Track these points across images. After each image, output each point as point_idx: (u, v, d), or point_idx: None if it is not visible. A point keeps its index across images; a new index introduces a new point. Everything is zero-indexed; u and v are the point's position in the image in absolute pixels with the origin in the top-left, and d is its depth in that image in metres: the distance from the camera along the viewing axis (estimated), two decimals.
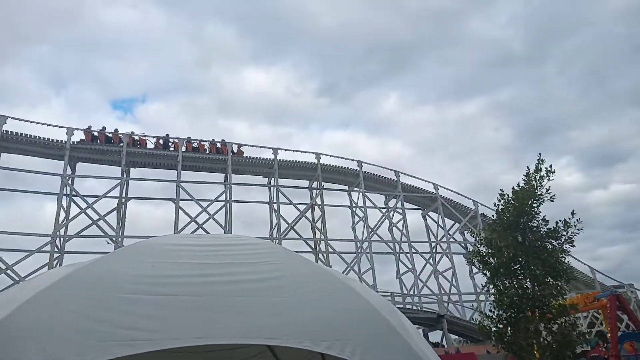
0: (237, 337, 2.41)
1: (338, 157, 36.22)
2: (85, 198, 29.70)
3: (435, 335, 31.19)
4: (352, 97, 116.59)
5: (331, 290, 2.81)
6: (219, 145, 33.57)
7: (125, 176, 30.70)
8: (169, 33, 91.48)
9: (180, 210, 30.25)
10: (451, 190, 38.94)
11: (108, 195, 30.00)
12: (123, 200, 30.45)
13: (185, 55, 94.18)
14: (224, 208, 31.54)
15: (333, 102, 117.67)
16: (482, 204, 37.00)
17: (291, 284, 2.77)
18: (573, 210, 12.34)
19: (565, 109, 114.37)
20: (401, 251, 35.62)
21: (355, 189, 36.19)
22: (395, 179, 37.03)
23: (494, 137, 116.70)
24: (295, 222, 33.15)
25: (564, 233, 12.11)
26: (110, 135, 31.32)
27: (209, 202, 31.74)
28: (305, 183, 35.84)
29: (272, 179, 33.52)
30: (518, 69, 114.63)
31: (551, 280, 12.09)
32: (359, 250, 34.07)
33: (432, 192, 37.98)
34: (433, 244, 37.18)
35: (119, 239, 28.55)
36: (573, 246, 12.09)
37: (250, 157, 33.15)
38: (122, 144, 30.32)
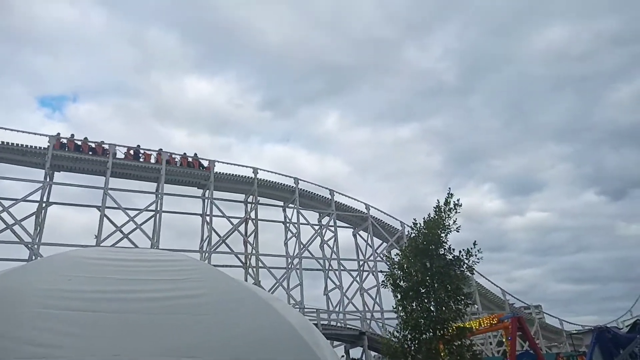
0: (155, 356, 2.33)
1: (275, 173, 36.75)
2: (1, 201, 27.90)
3: (357, 352, 32.20)
4: (294, 113, 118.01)
5: (252, 309, 2.86)
6: (189, 159, 33.36)
7: (48, 180, 29.22)
8: (108, 34, 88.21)
9: (105, 219, 29.22)
10: (381, 211, 40.67)
11: (28, 199, 28.38)
12: (44, 204, 28.93)
13: (124, 58, 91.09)
14: (153, 218, 30.90)
15: (275, 116, 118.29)
16: (408, 225, 38.93)
17: (213, 302, 2.77)
18: (475, 241, 13.75)
19: (490, 139, 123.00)
20: (330, 268, 36.57)
21: (291, 205, 36.80)
22: (330, 197, 38.14)
23: (425, 161, 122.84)
24: (227, 236, 33.12)
25: (466, 261, 13.48)
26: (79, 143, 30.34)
27: (137, 212, 30.93)
28: (241, 196, 35.96)
29: (207, 191, 33.35)
30: (449, 99, 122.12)
31: (452, 304, 13.36)
32: (290, 266, 34.56)
33: (364, 212, 39.45)
34: (361, 262, 38.52)
35: (36, 246, 27.08)
36: (472, 274, 13.48)
37: (185, 168, 32.76)
38: (47, 146, 28.91)
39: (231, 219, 33.59)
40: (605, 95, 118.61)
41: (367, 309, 36.36)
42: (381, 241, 40.33)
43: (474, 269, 13.59)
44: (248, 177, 34.65)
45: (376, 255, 38.66)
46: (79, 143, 30.70)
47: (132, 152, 31.84)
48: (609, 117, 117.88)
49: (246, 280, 32.82)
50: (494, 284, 41.04)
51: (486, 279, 40.65)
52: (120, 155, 31.27)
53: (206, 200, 33.11)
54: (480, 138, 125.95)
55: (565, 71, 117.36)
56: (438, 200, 13.93)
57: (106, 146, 30.95)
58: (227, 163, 34.82)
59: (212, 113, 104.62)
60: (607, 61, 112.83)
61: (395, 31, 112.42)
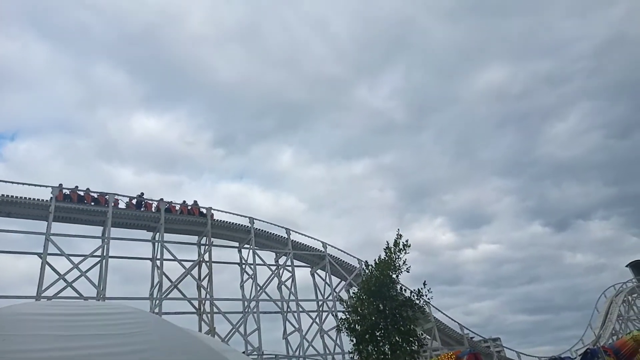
0: None
1: (230, 213, 36.02)
2: None
3: None
4: (247, 150, 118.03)
5: None
6: (189, 207, 33.31)
7: None
8: (51, 69, 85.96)
9: (47, 266, 27.37)
10: (338, 249, 40.49)
11: None
12: None
13: (68, 94, 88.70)
14: (99, 264, 29.25)
15: (228, 153, 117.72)
16: (364, 262, 38.92)
17: (162, 356, 2.60)
18: (425, 281, 13.82)
19: (440, 174, 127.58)
20: (289, 310, 35.63)
21: (246, 245, 35.98)
22: (286, 236, 37.63)
23: (379, 196, 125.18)
24: (180, 280, 31.72)
25: (417, 302, 13.45)
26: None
27: (82, 258, 29.22)
28: (194, 238, 34.84)
29: (158, 233, 32.08)
30: (399, 136, 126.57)
31: (406, 346, 13.18)
32: (246, 310, 33.39)
33: (321, 250, 39.11)
34: (320, 302, 37.82)
35: None
36: (424, 314, 13.46)
37: (132, 210, 31.50)
38: None
39: (183, 263, 32.33)
40: (544, 132, 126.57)
41: (328, 351, 35.43)
42: (339, 279, 39.97)
43: (424, 309, 13.59)
44: (202, 218, 33.73)
45: (335, 294, 38.13)
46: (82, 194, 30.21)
47: (134, 201, 31.87)
48: (548, 152, 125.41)
49: (200, 327, 31.35)
50: (452, 319, 41.30)
51: (444, 314, 40.91)
52: (122, 205, 31.21)
53: (156, 244, 31.81)
54: (431, 173, 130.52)
55: (506, 109, 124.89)
56: (387, 242, 13.99)
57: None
58: (178, 203, 33.74)
59: (162, 151, 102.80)
60: (544, 100, 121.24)
61: (346, 71, 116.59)
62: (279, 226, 38.19)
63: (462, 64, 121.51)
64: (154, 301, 29.82)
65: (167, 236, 32.25)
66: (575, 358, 33.80)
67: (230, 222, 35.32)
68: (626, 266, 67.30)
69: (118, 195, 31.21)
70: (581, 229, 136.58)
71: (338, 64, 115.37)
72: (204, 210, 34.23)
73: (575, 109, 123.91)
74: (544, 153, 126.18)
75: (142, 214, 31.75)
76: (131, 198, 31.75)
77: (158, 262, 31.10)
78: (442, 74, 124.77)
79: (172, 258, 31.72)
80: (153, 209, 32.04)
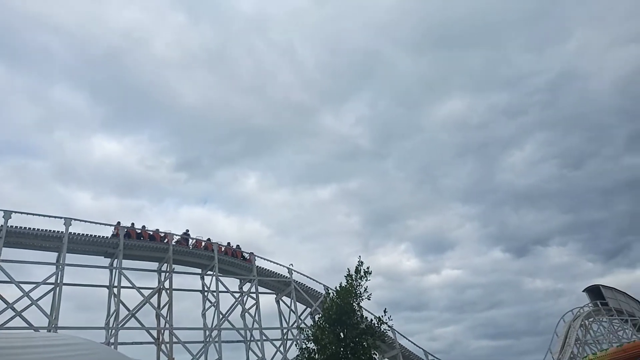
0: None
1: (192, 238, 35.20)
2: None
3: None
4: (212, 174, 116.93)
5: None
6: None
7: None
8: (4, 91, 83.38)
9: None
10: (304, 275, 40.11)
11: None
12: None
13: (23, 116, 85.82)
14: (52, 292, 27.84)
15: (192, 177, 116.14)
16: (331, 289, 38.66)
17: None
18: (385, 309, 13.85)
19: (404, 201, 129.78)
20: (252, 339, 34.78)
21: (209, 272, 35.15)
22: (251, 262, 37.05)
23: (345, 221, 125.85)
24: (138, 309, 30.53)
25: (377, 329, 13.44)
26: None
27: (34, 285, 27.75)
28: (154, 265, 33.78)
29: (116, 260, 30.95)
30: (365, 162, 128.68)
31: None
32: (208, 339, 32.36)
33: (286, 277, 38.65)
34: (285, 331, 37.12)
35: None
36: (384, 342, 13.46)
37: (90, 234, 30.38)
38: None
39: (142, 290, 31.20)
40: (502, 160, 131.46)
41: None
42: (305, 306, 39.46)
43: (385, 337, 13.58)
44: (163, 244, 32.84)
45: (300, 321, 37.57)
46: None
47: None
48: (507, 180, 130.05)
49: (158, 358, 30.11)
50: (417, 345, 41.31)
51: (409, 340, 40.89)
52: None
53: (114, 270, 30.64)
54: (395, 200, 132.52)
55: (467, 139, 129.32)
56: (348, 269, 14.03)
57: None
58: (137, 229, 32.79)
59: (122, 174, 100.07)
60: (501, 130, 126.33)
61: (312, 98, 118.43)
62: (243, 252, 37.66)
63: (425, 94, 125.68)
64: (109, 331, 28.54)
65: (126, 262, 31.20)
66: None
67: (193, 249, 34.52)
68: (583, 291, 69.60)
69: (75, 219, 30.08)
70: (540, 254, 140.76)
71: (304, 91, 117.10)
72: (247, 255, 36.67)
73: (531, 139, 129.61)
74: (502, 181, 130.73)
75: (100, 240, 30.64)
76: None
77: (115, 290, 29.88)
78: (406, 103, 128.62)
79: (130, 285, 30.59)
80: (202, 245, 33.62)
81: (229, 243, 36.87)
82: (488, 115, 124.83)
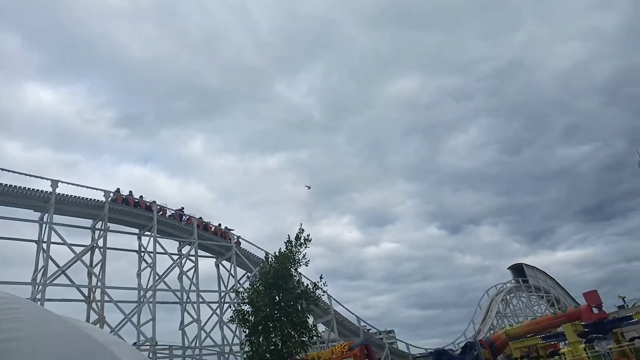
0: None
1: (131, 197, 33.98)
2: None
3: None
4: (155, 133, 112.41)
5: (83, 355, 2.50)
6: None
7: None
8: None
9: None
10: (246, 241, 40.14)
11: None
12: None
13: None
14: None
15: (133, 134, 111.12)
16: (272, 255, 39.07)
17: (33, 347, 2.36)
18: (321, 275, 14.22)
19: (351, 174, 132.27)
20: (188, 301, 34.62)
21: (147, 232, 34.27)
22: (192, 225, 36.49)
23: (292, 190, 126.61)
24: (69, 266, 29.35)
25: (312, 294, 13.81)
26: None
27: None
28: (89, 222, 32.40)
29: (47, 214, 29.35)
30: (315, 134, 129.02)
31: (297, 336, 13.49)
32: (142, 300, 31.83)
33: (227, 241, 38.50)
34: (222, 294, 37.25)
35: None
36: (317, 306, 13.91)
37: (20, 187, 28.52)
38: None
39: (74, 247, 29.95)
40: (446, 142, 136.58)
41: (226, 342, 35.03)
42: (245, 271, 39.66)
43: (319, 301, 14.02)
44: (97, 200, 31.48)
45: (238, 285, 37.79)
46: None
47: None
48: (449, 161, 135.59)
49: (89, 316, 29.29)
50: (351, 312, 42.97)
51: (344, 307, 42.43)
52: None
53: (44, 225, 29.10)
54: (343, 173, 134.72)
55: (416, 118, 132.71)
56: (289, 236, 14.20)
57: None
58: (74, 184, 31.15)
59: (57, 126, 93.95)
60: (448, 112, 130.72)
61: (266, 63, 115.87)
62: (185, 214, 36.97)
63: (378, 70, 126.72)
64: (36, 287, 27.32)
65: (58, 218, 29.71)
66: (457, 350, 36.88)
67: (130, 208, 33.37)
68: (507, 268, 75.10)
69: (2, 169, 28.07)
70: (472, 233, 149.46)
71: (257, 54, 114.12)
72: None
73: (475, 123, 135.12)
74: (445, 162, 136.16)
75: (31, 193, 28.86)
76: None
77: (45, 245, 28.48)
78: (360, 78, 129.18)
79: (62, 242, 29.25)
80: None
81: (130, 192, 35.12)
82: (437, 97, 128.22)
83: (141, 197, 34.49)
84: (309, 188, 30.94)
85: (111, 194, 32.38)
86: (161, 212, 34.77)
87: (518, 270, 72.59)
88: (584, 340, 25.88)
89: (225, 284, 38.12)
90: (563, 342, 28.54)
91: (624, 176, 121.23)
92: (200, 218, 37.66)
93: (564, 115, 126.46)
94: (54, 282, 28.23)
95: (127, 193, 33.90)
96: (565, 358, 25.33)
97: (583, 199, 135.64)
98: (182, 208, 37.10)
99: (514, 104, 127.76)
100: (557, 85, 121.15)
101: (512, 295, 66.24)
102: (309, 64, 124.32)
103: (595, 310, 26.57)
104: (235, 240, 38.82)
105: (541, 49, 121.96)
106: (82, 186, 31.36)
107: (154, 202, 34.66)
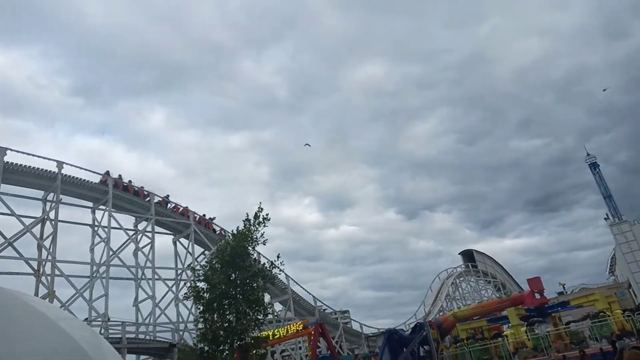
0: None
1: (86, 170, 32.83)
2: None
3: None
4: (113, 104, 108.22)
5: (29, 328, 2.48)
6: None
7: None
8: None
9: None
10: (205, 218, 39.71)
11: None
12: None
13: None
14: None
15: (89, 104, 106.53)
16: (230, 234, 38.93)
17: None
18: (278, 254, 14.39)
19: (314, 156, 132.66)
20: (143, 277, 34.13)
21: (102, 206, 33.29)
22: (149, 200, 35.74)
23: (254, 171, 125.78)
24: (17, 238, 28.21)
25: (268, 273, 13.99)
26: None
27: None
28: (40, 193, 31.11)
29: None
30: (280, 114, 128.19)
31: (252, 314, 13.68)
32: (94, 275, 31.10)
33: (186, 219, 38.00)
34: (179, 271, 36.90)
35: None
36: (273, 284, 14.14)
37: None
38: None
39: (23, 219, 28.77)
40: (407, 130, 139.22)
41: (181, 319, 34.88)
42: (203, 249, 39.37)
43: (275, 280, 14.22)
44: (50, 171, 30.20)
45: (196, 263, 37.50)
46: None
47: None
48: (409, 149, 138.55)
49: (37, 290, 28.37)
50: (308, 292, 43.66)
51: (300, 286, 43.03)
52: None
53: None
54: (306, 155, 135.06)
55: (380, 104, 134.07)
56: (247, 214, 14.24)
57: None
58: (24, 152, 29.72)
59: (6, 90, 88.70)
60: (411, 100, 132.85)
61: (232, 39, 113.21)
62: (142, 190, 36.11)
63: (346, 54, 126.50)
64: None
65: (6, 187, 28.36)
66: (407, 330, 38.28)
67: (84, 180, 32.25)
68: (459, 254, 78.22)
69: None
70: (427, 219, 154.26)
71: (224, 30, 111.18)
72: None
73: (435, 113, 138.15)
74: (405, 149, 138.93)
75: None
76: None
77: None
78: (327, 60, 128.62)
79: (9, 213, 28.02)
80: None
81: (130, 181, 35.44)
82: (402, 84, 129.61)
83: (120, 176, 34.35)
84: (309, 145, 31.72)
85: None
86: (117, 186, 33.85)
87: (468, 255, 75.76)
88: (525, 323, 27.49)
89: (183, 262, 37.76)
90: (507, 325, 30.23)
91: (570, 171, 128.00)
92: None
93: (519, 109, 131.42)
94: (0, 254, 27.10)
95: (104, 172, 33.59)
96: (507, 339, 26.87)
97: (532, 191, 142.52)
98: (168, 195, 37.47)
99: (473, 95, 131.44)
100: (514, 79, 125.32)
101: (462, 279, 69.20)
102: (277, 42, 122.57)
103: (537, 296, 28.25)
104: (197, 218, 38.32)
105: (502, 43, 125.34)
106: (33, 155, 29.93)
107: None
